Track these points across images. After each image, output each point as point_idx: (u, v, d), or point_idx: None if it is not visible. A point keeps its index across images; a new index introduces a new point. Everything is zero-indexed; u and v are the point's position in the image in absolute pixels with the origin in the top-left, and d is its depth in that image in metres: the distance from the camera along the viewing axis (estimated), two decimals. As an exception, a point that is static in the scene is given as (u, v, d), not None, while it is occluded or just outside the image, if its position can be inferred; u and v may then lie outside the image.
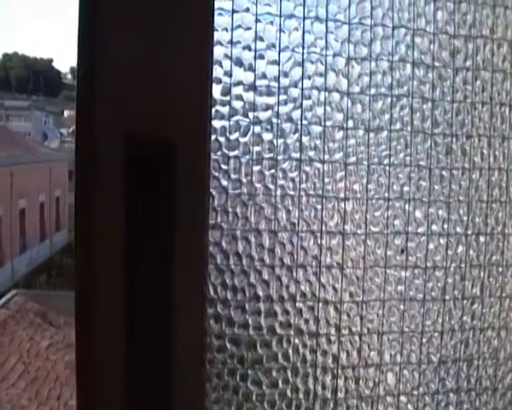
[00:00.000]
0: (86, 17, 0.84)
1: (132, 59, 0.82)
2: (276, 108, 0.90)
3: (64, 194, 24.62)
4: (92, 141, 0.83)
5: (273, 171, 0.90)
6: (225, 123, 0.88)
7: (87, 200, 0.83)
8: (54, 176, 23.10)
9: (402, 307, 1.02)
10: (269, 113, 0.90)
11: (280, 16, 0.89)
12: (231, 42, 0.87)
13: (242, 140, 0.89)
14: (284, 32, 0.89)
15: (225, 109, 0.88)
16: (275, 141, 0.90)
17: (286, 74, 0.90)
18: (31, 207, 20.86)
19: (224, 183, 0.89)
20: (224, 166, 0.89)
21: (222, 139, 0.88)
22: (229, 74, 0.88)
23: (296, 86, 0.90)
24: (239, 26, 0.88)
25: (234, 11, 0.87)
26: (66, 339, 11.38)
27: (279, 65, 0.89)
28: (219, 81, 0.87)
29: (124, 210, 0.83)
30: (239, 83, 0.88)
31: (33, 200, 21.11)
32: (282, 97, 0.90)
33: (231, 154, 0.89)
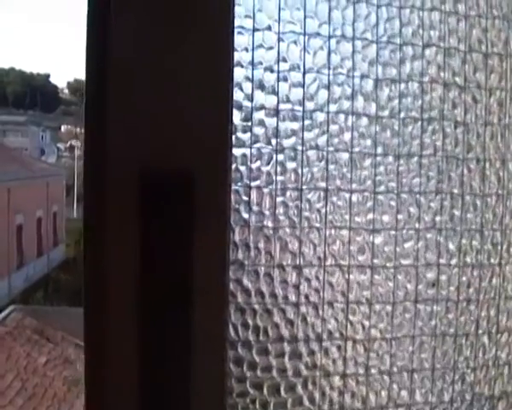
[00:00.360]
0: (95, 37, 0.77)
1: (146, 84, 0.76)
2: (300, 135, 0.83)
3: (61, 209, 24.53)
4: (102, 173, 0.76)
5: (298, 202, 0.84)
6: (246, 151, 0.82)
7: (97, 240, 0.76)
8: (51, 191, 23.03)
9: (433, 342, 0.96)
10: (293, 139, 0.83)
11: (304, 35, 0.83)
12: (252, 63, 0.81)
13: (265, 169, 0.83)
14: (309, 52, 0.83)
15: (246, 136, 0.81)
16: (299, 170, 0.84)
17: (311, 98, 0.83)
18: (28, 222, 20.77)
19: (245, 215, 0.82)
20: (244, 198, 0.82)
21: (243, 168, 0.82)
22: (250, 98, 0.81)
23: (322, 110, 0.84)
24: (260, 46, 0.81)
25: (255, 29, 0.81)
26: (63, 355, 11.29)
27: (304, 87, 0.83)
28: (240, 106, 0.81)
29: (138, 249, 0.76)
30: (261, 107, 0.82)
31: (30, 215, 21.02)
32: (307, 123, 0.83)
33: (253, 184, 0.82)
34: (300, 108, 0.83)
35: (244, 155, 0.82)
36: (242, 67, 0.81)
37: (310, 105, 0.84)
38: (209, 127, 0.77)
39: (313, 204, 0.85)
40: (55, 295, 18.46)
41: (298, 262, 0.85)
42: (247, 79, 0.81)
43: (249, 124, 0.81)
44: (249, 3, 0.80)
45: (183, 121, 0.76)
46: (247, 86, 0.81)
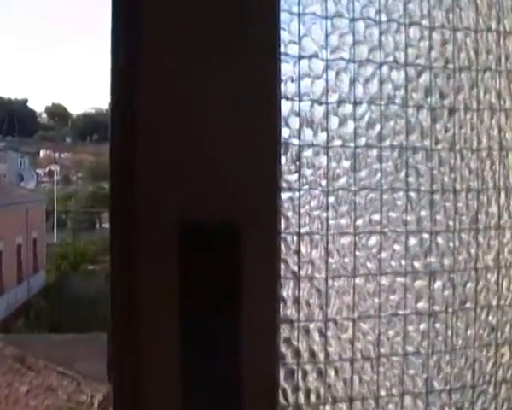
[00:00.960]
0: (123, 77, 0.68)
1: (185, 125, 0.67)
2: (352, 174, 0.75)
3: (41, 235, 24.19)
4: (134, 228, 0.67)
5: (351, 248, 0.75)
6: (294, 194, 0.73)
7: (130, 302, 0.67)
8: (30, 217, 22.70)
9: (494, 390, 0.87)
10: (344, 180, 0.74)
11: (354, 62, 0.74)
12: (299, 94, 0.72)
13: (314, 214, 0.74)
14: (359, 81, 0.75)
15: (293, 177, 0.73)
16: (352, 214, 0.75)
17: (362, 133, 0.75)
18: (7, 249, 20.43)
19: (294, 267, 0.73)
20: (293, 247, 0.73)
21: (290, 214, 0.73)
22: (297, 135, 0.72)
23: (374, 147, 0.75)
24: (307, 75, 0.73)
25: (300, 57, 0.72)
26: (45, 383, 11.08)
27: (354, 121, 0.75)
28: (286, 144, 0.72)
29: (178, 310, 0.66)
30: (309, 145, 0.73)
31: (10, 242, 20.69)
32: (359, 161, 0.75)
33: (302, 231, 0.73)
34: (352, 145, 0.75)
35: (291, 199, 0.73)
36: (288, 99, 0.72)
37: (361, 141, 0.75)
38: (255, 170, 0.68)
39: (369, 250, 0.76)
40: (37, 321, 18.13)
41: (352, 315, 0.76)
42: (294, 113, 0.72)
43: (297, 164, 0.72)
44: (294, 28, 0.72)
45: (225, 165, 0.67)
46: (294, 121, 0.72)
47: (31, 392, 10.79)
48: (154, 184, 0.67)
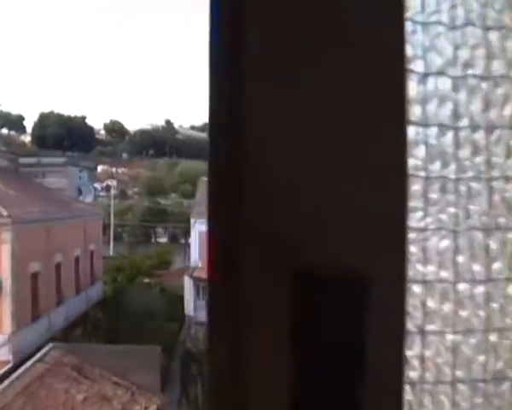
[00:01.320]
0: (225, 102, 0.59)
1: (300, 154, 0.57)
2: (486, 212, 0.63)
3: (98, 248, 24.60)
4: (242, 272, 0.57)
5: (485, 300, 0.64)
6: (419, 235, 0.62)
7: (237, 363, 0.57)
8: (88, 230, 23.14)
9: None
10: (476, 219, 0.63)
11: (487, 79, 0.63)
12: (425, 119, 0.62)
13: (442, 258, 0.63)
14: (493, 102, 0.64)
15: (419, 215, 0.62)
16: (486, 258, 0.64)
17: (497, 164, 0.64)
18: (66, 261, 20.85)
19: (419, 321, 0.62)
20: (418, 297, 0.62)
21: (414, 258, 0.62)
22: (424, 167, 0.62)
23: (509, 181, 0.64)
24: (433, 96, 0.62)
25: (426, 74, 0.62)
26: (100, 392, 11.24)
27: (488, 150, 0.64)
28: (411, 177, 0.61)
29: (294, 374, 0.57)
30: (437, 178, 0.62)
31: (69, 254, 21.11)
32: (494, 196, 0.64)
33: (428, 278, 0.62)
34: (485, 176, 0.63)
35: (416, 241, 0.62)
36: (412, 124, 0.61)
37: (495, 172, 0.64)
38: (380, 209, 0.58)
39: (505, 301, 0.64)
40: (94, 332, 18.41)
41: (486, 376, 0.65)
42: (420, 140, 0.62)
43: (424, 200, 0.62)
44: (417, 39, 0.61)
45: (347, 202, 0.57)
46: (420, 152, 0.62)
47: (87, 400, 10.99)
48: (266, 223, 0.57)
